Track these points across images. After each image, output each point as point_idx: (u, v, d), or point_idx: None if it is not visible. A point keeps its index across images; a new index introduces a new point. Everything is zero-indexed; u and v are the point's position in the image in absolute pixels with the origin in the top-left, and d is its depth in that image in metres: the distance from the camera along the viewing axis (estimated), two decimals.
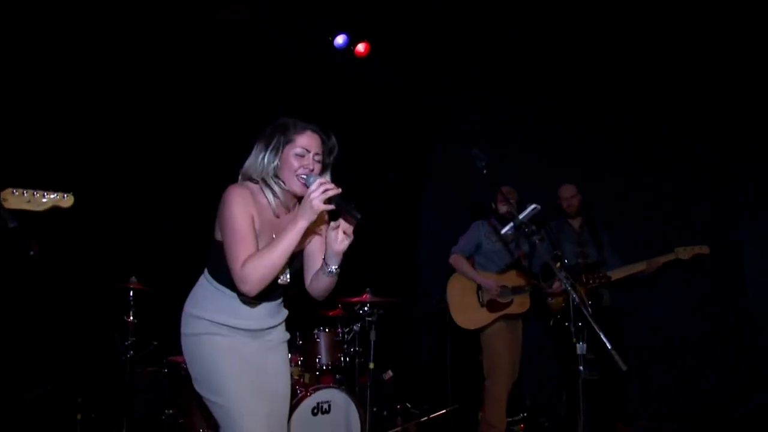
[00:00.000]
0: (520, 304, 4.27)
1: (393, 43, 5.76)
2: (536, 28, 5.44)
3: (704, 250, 4.25)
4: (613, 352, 2.23)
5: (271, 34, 5.15)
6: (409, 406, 4.46)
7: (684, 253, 4.25)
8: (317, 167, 2.17)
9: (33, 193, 1.98)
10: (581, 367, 2.40)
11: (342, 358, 3.98)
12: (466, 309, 4.36)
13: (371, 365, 3.66)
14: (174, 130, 4.68)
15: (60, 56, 4.03)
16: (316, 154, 2.17)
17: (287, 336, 2.37)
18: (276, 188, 2.14)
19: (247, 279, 1.98)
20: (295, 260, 2.23)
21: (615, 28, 5.11)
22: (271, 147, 2.14)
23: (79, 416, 3.64)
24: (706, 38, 4.91)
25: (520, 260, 4.41)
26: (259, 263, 1.98)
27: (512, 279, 4.32)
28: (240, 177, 2.20)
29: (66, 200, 2.05)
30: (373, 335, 3.66)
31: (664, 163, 5.33)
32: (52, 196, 2.01)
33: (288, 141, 2.15)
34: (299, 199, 2.17)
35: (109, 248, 4.21)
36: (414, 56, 5.99)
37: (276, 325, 2.29)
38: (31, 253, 1.13)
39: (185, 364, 3.56)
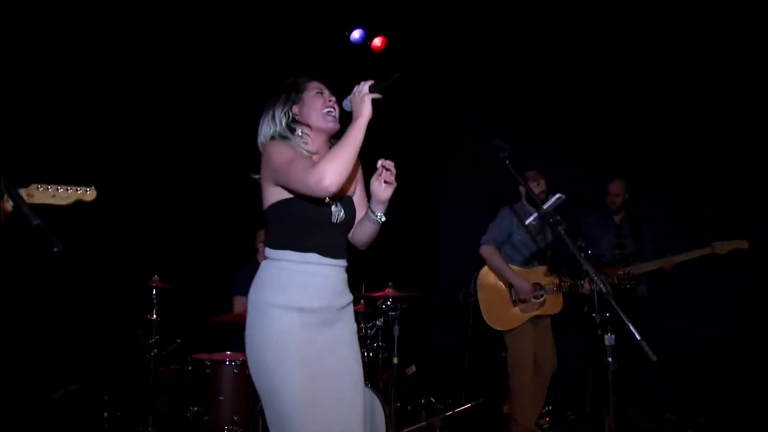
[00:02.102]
0: (554, 304, 4.16)
1: (410, 38, 5.74)
2: (554, 22, 5.41)
3: (743, 245, 4.15)
4: (643, 343, 2.18)
5: (287, 30, 5.16)
6: (434, 400, 4.43)
7: (721, 247, 4.16)
8: (336, 106, 2.22)
9: (57, 188, 2.02)
10: (610, 359, 2.35)
11: (365, 354, 3.96)
12: (497, 308, 4.18)
13: (395, 360, 3.63)
14: (198, 128, 4.69)
15: (84, 53, 4.06)
16: (331, 95, 2.24)
17: (355, 327, 2.27)
18: (295, 138, 2.16)
19: (323, 176, 1.94)
20: (345, 203, 2.20)
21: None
22: (280, 101, 2.20)
23: (105, 414, 3.67)
24: (734, 21, 4.84)
25: (546, 250, 4.30)
26: (330, 161, 1.97)
27: (545, 276, 4.19)
28: (261, 148, 2.19)
29: (89, 194, 2.08)
30: (396, 330, 3.64)
31: (702, 156, 5.24)
32: (75, 191, 2.04)
33: (301, 90, 2.21)
34: (330, 139, 2.23)
35: (131, 247, 4.24)
36: (432, 50, 5.97)
37: (344, 306, 2.18)
38: (56, 250, 1.12)
39: (209, 362, 3.63)
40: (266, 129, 2.20)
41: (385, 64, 5.66)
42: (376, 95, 2.08)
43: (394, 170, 2.15)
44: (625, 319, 2.21)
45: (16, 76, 3.72)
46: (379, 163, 2.15)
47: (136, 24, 4.30)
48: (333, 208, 2.14)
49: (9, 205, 1.78)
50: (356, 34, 5.55)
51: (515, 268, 4.19)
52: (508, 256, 4.23)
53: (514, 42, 5.78)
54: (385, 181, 2.15)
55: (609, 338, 2.37)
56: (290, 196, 2.09)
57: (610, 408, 2.37)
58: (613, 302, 2.30)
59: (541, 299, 4.13)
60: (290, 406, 1.96)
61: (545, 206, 2.46)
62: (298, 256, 2.09)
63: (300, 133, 2.17)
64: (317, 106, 2.18)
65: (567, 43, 5.70)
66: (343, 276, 2.20)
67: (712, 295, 5.09)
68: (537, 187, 4.15)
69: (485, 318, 4.19)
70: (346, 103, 2.16)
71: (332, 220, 2.14)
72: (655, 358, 2.12)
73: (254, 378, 2.08)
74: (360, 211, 2.27)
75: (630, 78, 5.54)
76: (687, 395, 5.07)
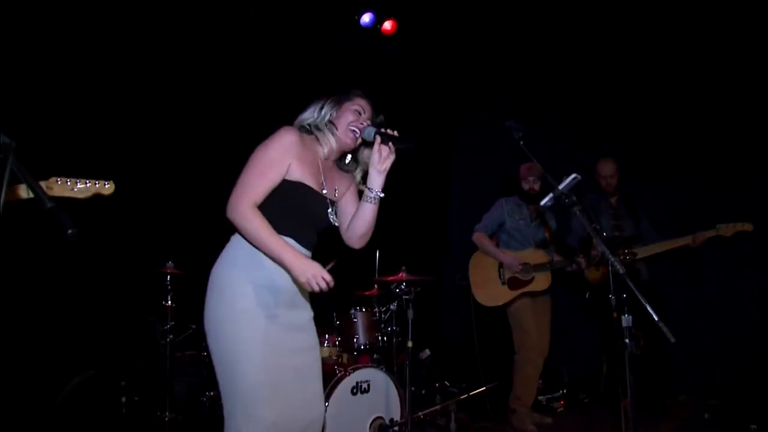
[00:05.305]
0: (542, 282, 4.31)
1: (420, 21, 5.70)
2: (555, 14, 5.36)
3: (747, 227, 4.11)
4: (661, 324, 2.15)
5: (296, 15, 5.12)
6: (448, 384, 4.44)
7: (726, 230, 4.13)
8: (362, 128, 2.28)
9: (76, 182, 2.02)
10: (627, 340, 2.32)
11: (379, 338, 3.97)
12: (487, 286, 4.43)
13: (410, 344, 3.62)
14: (208, 116, 4.70)
15: (104, 49, 4.09)
16: (368, 118, 2.29)
17: (312, 313, 2.32)
18: (328, 133, 2.23)
19: (238, 213, 2.02)
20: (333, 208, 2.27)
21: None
22: (330, 100, 2.28)
23: (123, 399, 3.71)
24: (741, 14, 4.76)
25: (544, 236, 4.44)
26: (256, 225, 2.01)
27: (534, 256, 4.37)
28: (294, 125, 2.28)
29: (107, 188, 2.09)
30: (410, 314, 3.61)
31: (708, 137, 5.16)
32: (94, 185, 2.04)
33: (348, 99, 2.29)
34: (343, 155, 2.33)
35: (145, 234, 4.26)
36: (442, 33, 5.92)
37: (305, 292, 2.22)
38: (69, 231, 1.12)
39: None
40: (309, 114, 2.28)
41: (391, 48, 5.63)
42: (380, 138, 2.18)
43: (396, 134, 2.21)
44: (642, 300, 2.19)
45: (38, 72, 3.75)
46: (383, 130, 2.20)
47: (149, 20, 4.32)
48: (329, 212, 2.23)
49: (23, 192, 1.78)
50: (366, 18, 5.50)
51: (508, 252, 4.41)
52: (504, 243, 4.48)
53: (518, 34, 5.74)
54: (393, 141, 2.18)
55: (626, 319, 2.34)
56: (289, 179, 2.12)
57: (627, 390, 2.34)
58: (630, 283, 2.28)
59: (529, 277, 4.31)
60: (253, 385, 1.99)
61: (560, 186, 2.42)
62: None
63: (330, 132, 2.23)
64: (347, 120, 2.25)
65: (565, 34, 5.66)
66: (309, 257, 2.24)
67: (718, 277, 5.03)
68: (529, 182, 4.41)
69: (475, 295, 4.46)
70: (368, 133, 2.21)
71: (329, 219, 2.23)
72: (673, 340, 2.10)
73: (214, 353, 2.08)
74: (348, 206, 2.36)
75: (630, 67, 5.46)
76: (699, 377, 5.04)
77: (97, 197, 2.13)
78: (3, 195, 1.07)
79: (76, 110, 3.98)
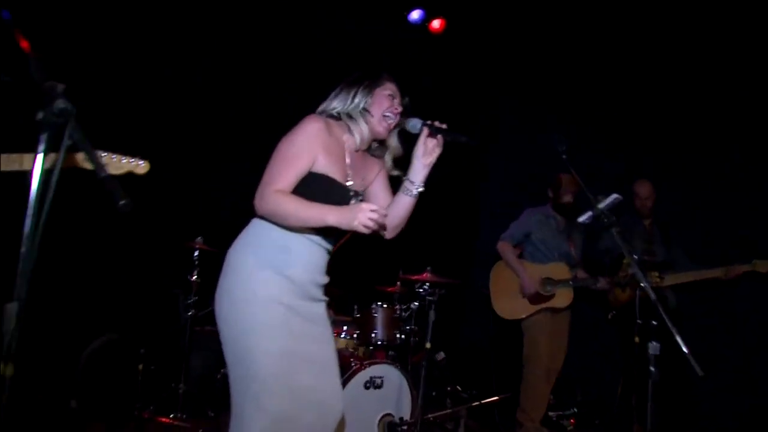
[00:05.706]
0: (563, 298, 4.23)
1: (466, 21, 5.66)
2: (596, 26, 5.31)
3: None
4: (689, 356, 2.12)
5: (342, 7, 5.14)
6: (460, 389, 4.42)
7: (762, 266, 4.02)
8: (397, 114, 2.20)
9: (111, 157, 2.01)
10: (652, 368, 2.29)
11: (397, 335, 3.96)
12: (506, 298, 4.35)
13: (428, 345, 3.61)
14: (244, 97, 4.73)
15: (135, 27, 4.15)
16: (399, 103, 2.21)
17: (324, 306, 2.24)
18: (362, 122, 2.14)
19: (265, 202, 1.95)
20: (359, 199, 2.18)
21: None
22: (363, 86, 2.17)
23: (140, 367, 3.76)
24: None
25: (569, 253, 4.35)
26: (287, 205, 1.93)
27: (557, 271, 4.26)
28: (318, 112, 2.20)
29: (142, 167, 2.06)
30: (432, 315, 3.61)
31: (748, 164, 5.03)
32: (129, 162, 2.03)
33: (379, 84, 2.19)
34: (375, 142, 2.23)
35: (178, 207, 4.32)
36: (486, 33, 5.87)
37: (322, 285, 2.15)
38: (122, 202, 1.13)
39: None
40: (339, 102, 2.18)
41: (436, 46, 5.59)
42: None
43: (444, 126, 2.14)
44: (672, 331, 2.16)
45: (76, 53, 3.82)
46: (430, 122, 2.13)
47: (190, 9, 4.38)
48: (352, 196, 2.13)
49: (81, 160, 1.79)
50: (415, 15, 5.47)
51: (530, 264, 4.31)
52: (530, 254, 4.38)
53: (575, 28, 5.68)
54: (443, 133, 2.10)
55: (653, 347, 2.30)
56: (314, 171, 2.05)
57: (647, 420, 2.30)
58: (660, 310, 2.24)
59: (550, 293, 4.22)
60: (267, 375, 1.92)
61: (601, 205, 2.39)
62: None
63: (364, 121, 2.15)
64: (384, 105, 2.16)
65: (605, 44, 5.57)
66: (329, 253, 2.18)
67: (750, 307, 4.89)
68: (569, 194, 4.33)
69: (494, 307, 4.38)
70: (414, 125, 2.14)
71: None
72: (701, 373, 2.05)
73: (227, 338, 2.02)
74: (378, 196, 2.26)
75: (710, 66, 5.30)
76: (724, 411, 4.93)
77: (130, 175, 2.11)
78: (61, 160, 1.09)
79: (112, 85, 4.04)
